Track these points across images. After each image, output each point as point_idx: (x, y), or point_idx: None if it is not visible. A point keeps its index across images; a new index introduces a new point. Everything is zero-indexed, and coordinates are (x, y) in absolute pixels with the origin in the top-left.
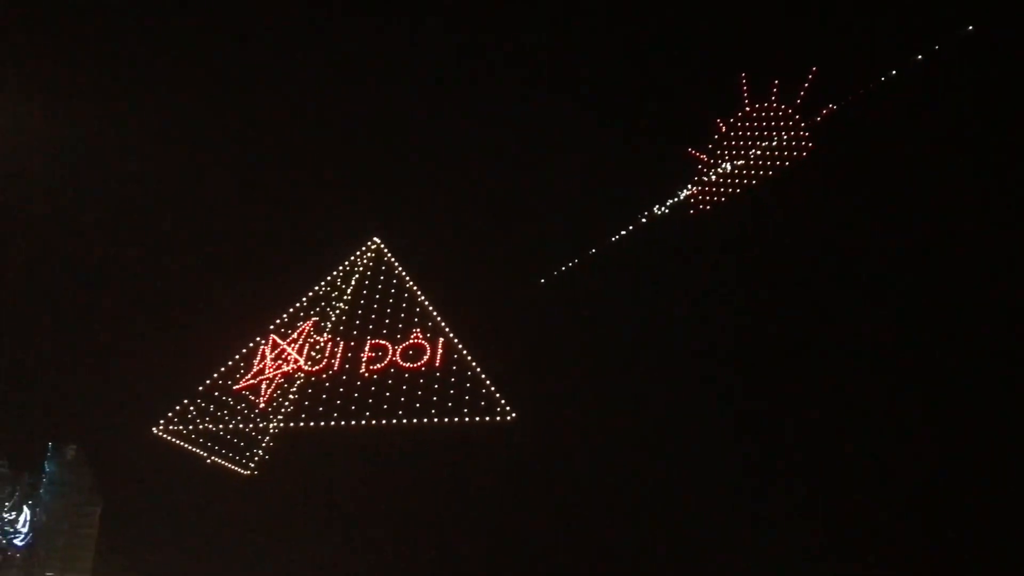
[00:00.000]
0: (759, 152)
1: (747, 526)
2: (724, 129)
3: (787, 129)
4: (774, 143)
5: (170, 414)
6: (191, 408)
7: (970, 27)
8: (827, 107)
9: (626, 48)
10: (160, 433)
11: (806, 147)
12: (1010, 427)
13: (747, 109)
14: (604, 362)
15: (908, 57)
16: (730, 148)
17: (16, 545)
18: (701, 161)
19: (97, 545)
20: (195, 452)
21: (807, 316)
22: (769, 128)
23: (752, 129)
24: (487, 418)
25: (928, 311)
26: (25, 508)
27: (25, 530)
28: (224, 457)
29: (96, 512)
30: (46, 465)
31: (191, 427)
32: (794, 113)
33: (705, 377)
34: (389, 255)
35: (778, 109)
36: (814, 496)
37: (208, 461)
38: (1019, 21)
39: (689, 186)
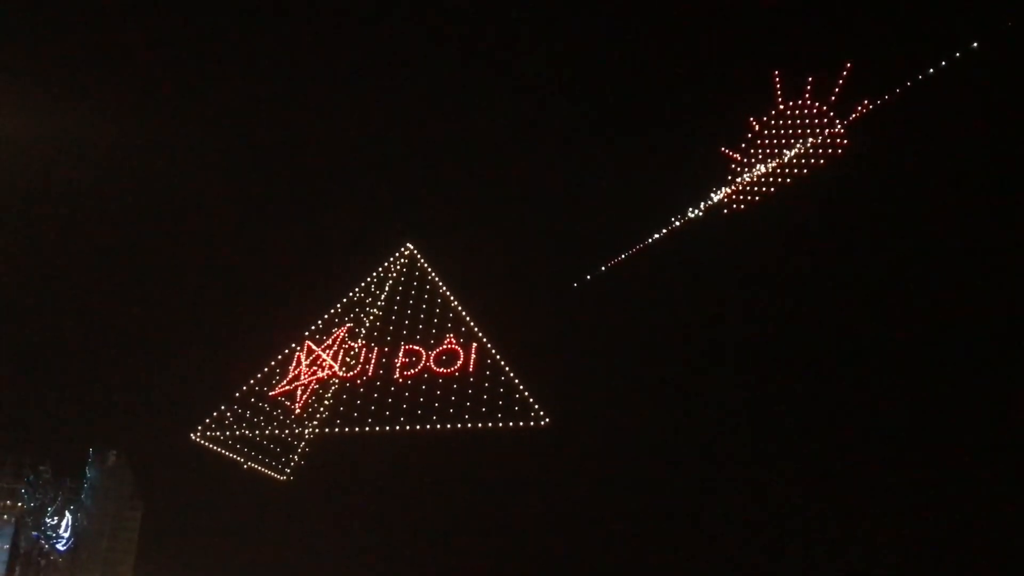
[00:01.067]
0: (793, 151)
1: (784, 530)
2: (757, 128)
3: (821, 127)
4: (808, 142)
5: (208, 420)
6: (228, 414)
7: (1009, 23)
8: (862, 103)
9: (659, 49)
10: (198, 439)
11: (841, 145)
12: None
13: (780, 107)
14: (637, 366)
15: (945, 54)
16: (763, 147)
17: (59, 550)
18: (735, 160)
19: (138, 549)
20: (232, 458)
21: (846, 317)
22: (803, 126)
23: (786, 127)
24: (521, 423)
25: (969, 309)
26: (67, 513)
27: (67, 535)
28: (261, 463)
29: (136, 517)
30: (87, 471)
31: (228, 433)
32: (828, 111)
33: (742, 380)
34: (422, 261)
35: (812, 107)
36: (861, 500)
37: (245, 467)
38: None
39: (723, 187)
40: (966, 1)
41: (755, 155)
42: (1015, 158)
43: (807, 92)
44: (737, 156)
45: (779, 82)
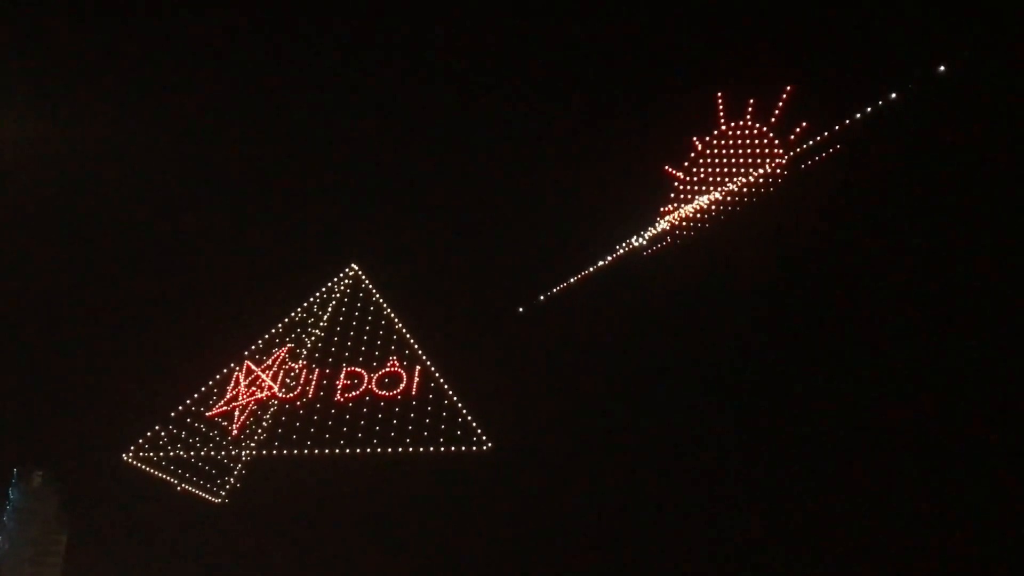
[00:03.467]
0: (736, 174)
1: (734, 560)
2: (700, 148)
3: (763, 148)
4: (752, 173)
5: (141, 440)
6: (163, 435)
7: (941, 67)
8: (803, 127)
9: (602, 71)
10: (130, 460)
11: (785, 175)
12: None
13: (723, 128)
14: (582, 392)
15: (881, 94)
16: (707, 167)
17: None
18: (678, 179)
19: (63, 574)
20: (166, 480)
21: (792, 346)
22: (745, 147)
23: (728, 148)
24: (463, 448)
25: (908, 338)
26: None
27: None
28: (195, 485)
29: (61, 541)
30: (10, 492)
31: (162, 454)
32: (769, 131)
33: (686, 408)
34: (367, 282)
35: (754, 128)
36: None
37: (179, 489)
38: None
39: (667, 215)
40: (904, 42)
41: (698, 174)
42: (953, 195)
43: (748, 114)
44: (680, 175)
45: (722, 103)
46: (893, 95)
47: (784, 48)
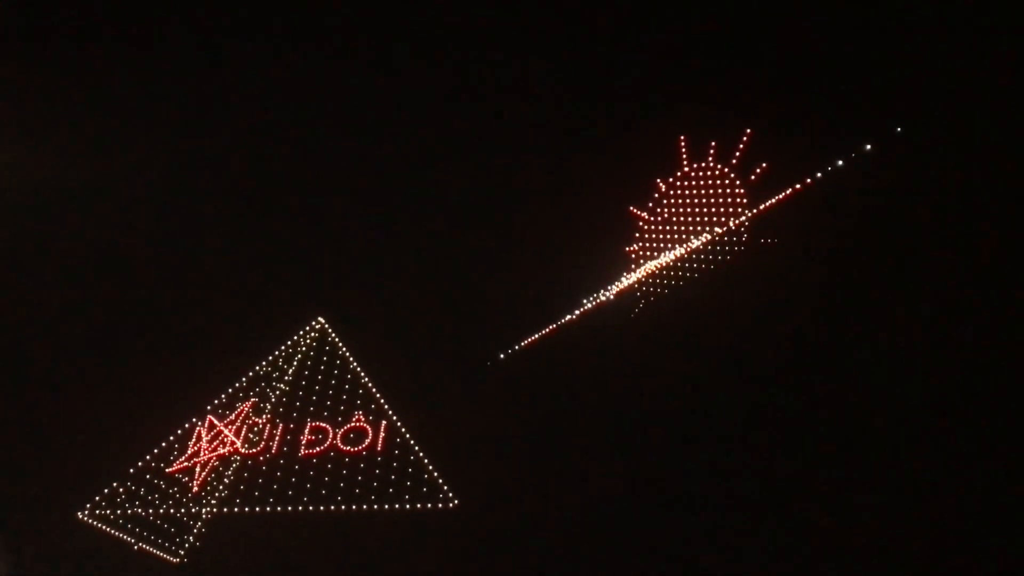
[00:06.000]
0: (700, 215)
1: None
2: (664, 188)
3: (725, 196)
4: (714, 209)
5: (97, 498)
6: (120, 491)
7: (898, 128)
8: (761, 166)
9: (567, 119)
10: (86, 518)
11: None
12: None
13: (685, 169)
14: (549, 449)
15: (839, 153)
16: (670, 207)
17: None
18: (642, 219)
19: None
20: (122, 538)
21: (764, 395)
22: (707, 187)
23: (691, 188)
24: (429, 505)
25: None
26: None
27: None
28: (153, 544)
29: None
30: None
31: (119, 512)
32: (731, 172)
33: (659, 464)
34: (333, 335)
35: (715, 169)
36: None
37: (136, 548)
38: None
39: (633, 251)
40: (864, 102)
41: (662, 214)
42: (908, 254)
43: (710, 156)
44: (645, 215)
45: (685, 146)
46: (853, 154)
47: (746, 93)
